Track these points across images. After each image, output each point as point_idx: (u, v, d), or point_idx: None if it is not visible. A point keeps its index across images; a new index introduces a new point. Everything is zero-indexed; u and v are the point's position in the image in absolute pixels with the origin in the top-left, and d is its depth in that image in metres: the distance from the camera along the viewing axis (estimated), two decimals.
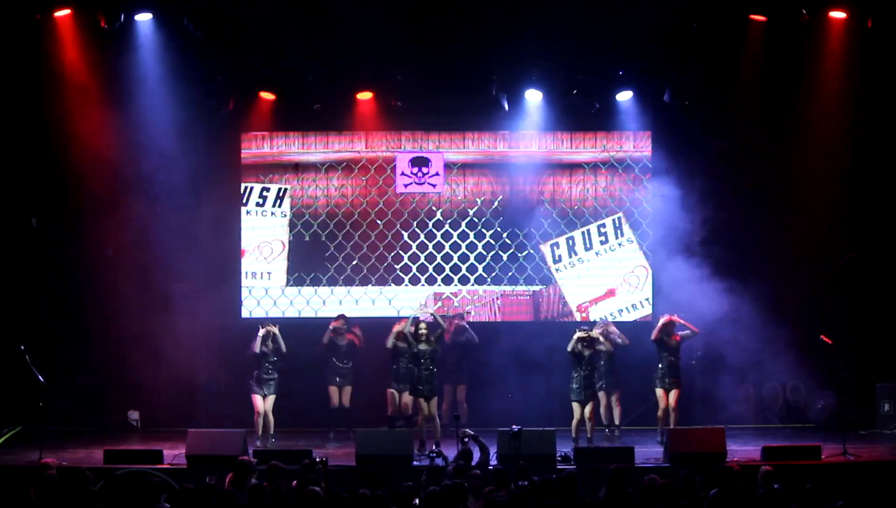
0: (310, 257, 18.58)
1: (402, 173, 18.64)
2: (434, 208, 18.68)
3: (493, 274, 18.60)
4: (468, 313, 18.41)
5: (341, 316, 17.26)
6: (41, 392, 15.16)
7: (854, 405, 17.14)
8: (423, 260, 18.62)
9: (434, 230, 18.66)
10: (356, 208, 18.61)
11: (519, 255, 18.59)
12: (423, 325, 15.95)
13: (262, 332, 16.22)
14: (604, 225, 18.66)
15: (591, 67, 17.87)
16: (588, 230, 18.68)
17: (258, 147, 18.63)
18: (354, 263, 18.54)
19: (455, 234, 18.66)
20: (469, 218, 18.65)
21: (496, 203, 18.68)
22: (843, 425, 15.66)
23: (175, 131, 17.68)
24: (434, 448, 14.95)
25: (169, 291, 18.13)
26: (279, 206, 18.62)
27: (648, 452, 15.29)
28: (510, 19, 17.03)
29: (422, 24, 17.12)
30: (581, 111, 18.31)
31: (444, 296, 18.60)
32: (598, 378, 16.31)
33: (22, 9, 16.76)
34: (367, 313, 18.29)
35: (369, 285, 18.55)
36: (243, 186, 18.59)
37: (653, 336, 16.35)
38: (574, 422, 15.93)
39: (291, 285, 18.58)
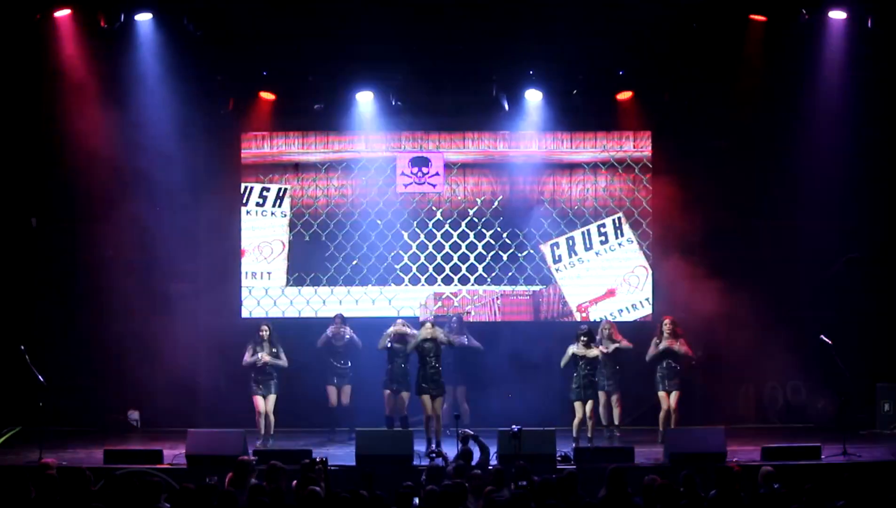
0: (310, 257, 18.57)
1: (402, 173, 18.63)
2: (434, 208, 18.67)
3: (493, 274, 18.59)
4: (468, 313, 18.41)
5: (338, 316, 17.24)
6: (41, 392, 15.14)
7: (854, 405, 17.12)
8: (422, 260, 18.61)
9: (434, 230, 18.65)
10: (356, 208, 18.60)
11: (519, 255, 18.58)
12: (428, 325, 15.95)
13: (252, 359, 16.32)
14: (604, 225, 18.65)
15: (591, 67, 17.88)
16: (588, 230, 18.67)
17: (258, 147, 18.62)
18: (354, 263, 18.55)
19: (455, 234, 18.65)
20: (469, 218, 18.65)
21: (496, 203, 18.67)
22: (843, 425, 15.66)
23: (175, 131, 17.65)
24: (434, 447, 14.95)
25: (169, 291, 18.11)
26: (279, 206, 18.61)
27: (648, 452, 15.28)
28: (510, 19, 17.02)
29: (422, 24, 17.10)
30: (581, 111, 18.32)
31: (444, 296, 18.59)
32: (599, 378, 16.33)
33: (22, 9, 16.73)
34: (367, 313, 18.28)
35: (369, 285, 18.54)
36: (243, 186, 18.58)
37: (647, 358, 16.43)
38: (576, 422, 15.92)
39: (291, 285, 18.57)
